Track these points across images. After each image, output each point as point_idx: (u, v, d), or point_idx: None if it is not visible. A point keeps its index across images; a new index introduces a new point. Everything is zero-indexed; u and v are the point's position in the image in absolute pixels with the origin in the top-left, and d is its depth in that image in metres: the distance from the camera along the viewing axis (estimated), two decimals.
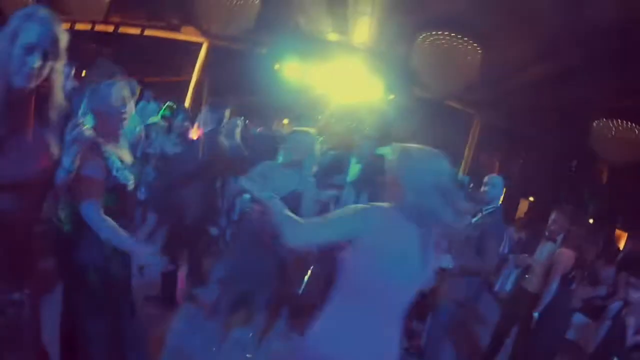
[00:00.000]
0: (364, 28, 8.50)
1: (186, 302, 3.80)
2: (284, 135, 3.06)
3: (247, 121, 8.33)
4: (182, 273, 3.89)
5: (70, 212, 2.10)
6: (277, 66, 9.80)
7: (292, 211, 1.85)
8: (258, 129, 8.02)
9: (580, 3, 5.05)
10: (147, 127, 5.46)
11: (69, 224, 2.12)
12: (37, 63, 1.51)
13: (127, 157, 2.22)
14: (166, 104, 6.43)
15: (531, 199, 10.52)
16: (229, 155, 3.76)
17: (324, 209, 3.20)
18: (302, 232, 1.77)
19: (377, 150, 4.03)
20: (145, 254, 2.03)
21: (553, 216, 3.92)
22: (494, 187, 3.77)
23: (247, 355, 3.04)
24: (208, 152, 3.35)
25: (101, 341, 2.14)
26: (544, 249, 3.93)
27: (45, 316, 1.87)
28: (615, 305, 4.53)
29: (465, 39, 7.10)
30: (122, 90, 2.14)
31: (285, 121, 13.58)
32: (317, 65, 9.74)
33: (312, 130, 2.94)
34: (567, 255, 3.72)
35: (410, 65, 8.08)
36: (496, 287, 6.26)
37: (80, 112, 2.18)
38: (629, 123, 7.00)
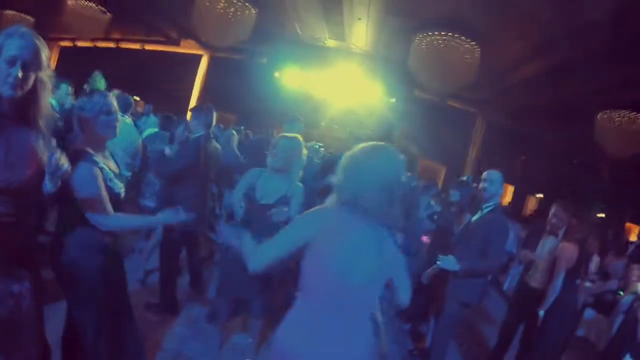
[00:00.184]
0: (360, 33, 8.54)
1: (186, 308, 3.81)
2: (272, 141, 3.06)
3: (247, 130, 8.39)
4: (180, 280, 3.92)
5: (64, 221, 2.15)
6: (277, 74, 9.85)
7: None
8: (254, 136, 8.06)
9: None
10: (147, 138, 5.50)
11: (64, 233, 2.16)
12: (20, 73, 1.68)
13: (114, 167, 2.27)
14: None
15: (539, 195, 10.40)
16: (222, 162, 3.79)
17: None
18: (259, 255, 1.81)
19: None
20: (168, 217, 2.15)
21: (553, 210, 3.84)
22: (493, 183, 3.62)
23: None
24: (195, 156, 3.38)
25: (99, 344, 2.18)
26: (546, 244, 3.86)
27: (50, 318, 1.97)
28: (626, 300, 4.44)
29: (463, 38, 7.08)
30: (110, 101, 2.20)
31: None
32: (317, 72, 9.79)
33: (299, 136, 2.95)
34: (569, 250, 3.61)
35: (409, 67, 8.07)
36: (504, 286, 6.17)
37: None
38: (633, 113, 6.90)
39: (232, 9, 7.86)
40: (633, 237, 8.65)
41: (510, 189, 11.31)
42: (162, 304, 3.72)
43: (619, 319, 4.28)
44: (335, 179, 1.77)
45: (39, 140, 1.82)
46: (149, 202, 4.84)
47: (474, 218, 3.80)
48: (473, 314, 4.83)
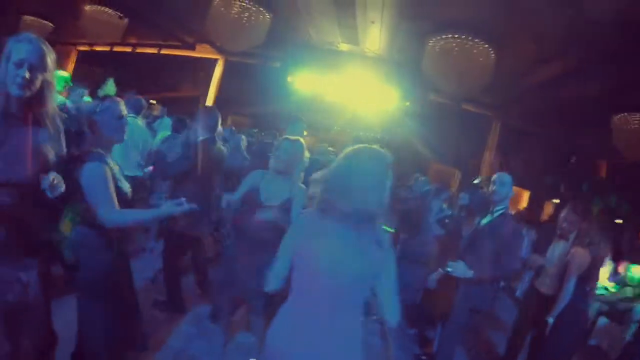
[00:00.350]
0: (374, 36, 8.52)
1: (194, 307, 3.86)
2: (275, 143, 3.10)
3: (262, 133, 8.44)
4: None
5: (73, 220, 2.23)
6: (290, 78, 9.90)
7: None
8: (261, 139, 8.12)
9: None
10: (164, 141, 5.60)
11: (70, 231, 2.23)
12: (26, 74, 1.86)
13: (117, 169, 2.38)
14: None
15: (556, 201, 10.18)
16: (228, 164, 3.82)
17: None
18: (271, 275, 1.92)
19: None
20: (172, 208, 2.21)
21: (564, 213, 3.76)
22: (503, 185, 3.58)
23: None
24: (195, 159, 3.42)
25: (104, 339, 2.24)
26: (556, 249, 3.77)
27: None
28: None
29: (477, 40, 7.00)
30: (120, 106, 2.37)
31: (304, 132, 13.64)
32: (330, 76, 9.80)
33: (301, 139, 2.98)
34: (580, 255, 3.52)
35: (422, 70, 8.02)
36: (517, 292, 6.04)
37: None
38: None
39: (247, 14, 7.93)
40: None
41: (526, 194, 11.12)
42: (169, 302, 3.79)
43: (633, 328, 4.16)
44: (320, 184, 1.84)
45: (46, 138, 1.96)
46: (160, 202, 4.90)
47: (484, 221, 3.74)
48: (483, 319, 4.75)
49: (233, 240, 2.98)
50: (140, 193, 4.38)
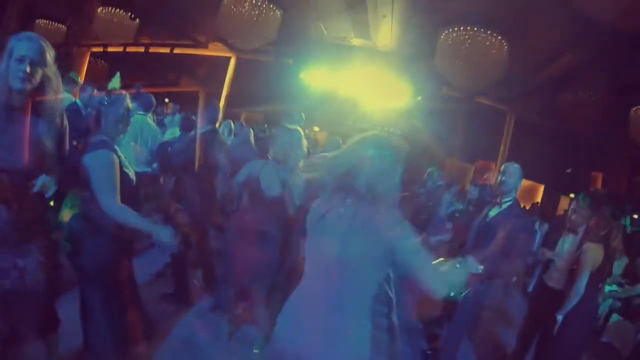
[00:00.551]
0: (385, 31, 8.45)
1: (200, 299, 3.90)
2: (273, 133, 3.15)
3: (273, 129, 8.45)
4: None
5: (78, 210, 2.29)
6: (302, 74, 9.90)
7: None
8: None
9: None
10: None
11: (77, 223, 2.30)
12: (27, 69, 1.99)
13: (123, 157, 2.46)
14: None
15: (572, 195, 9.94)
16: (235, 157, 3.84)
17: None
18: None
19: None
20: (161, 234, 2.23)
21: (573, 205, 3.64)
22: (511, 176, 3.47)
23: (255, 351, 3.07)
24: (195, 152, 3.45)
25: (107, 326, 2.30)
26: (565, 242, 3.66)
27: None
28: None
29: (489, 32, 6.88)
30: (125, 100, 2.49)
31: (316, 128, 13.67)
32: (342, 71, 9.76)
33: (299, 128, 3.00)
34: (593, 251, 3.38)
35: (435, 64, 7.92)
36: (529, 288, 5.90)
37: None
38: None
39: (257, 11, 7.96)
40: None
41: (540, 188, 10.92)
42: (177, 295, 3.85)
43: None
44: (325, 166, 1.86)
45: (45, 129, 2.09)
46: None
47: (492, 213, 3.66)
48: (493, 315, 4.66)
49: (233, 232, 3.01)
50: (149, 189, 4.44)
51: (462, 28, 7.03)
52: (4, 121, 1.98)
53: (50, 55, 2.08)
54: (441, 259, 2.03)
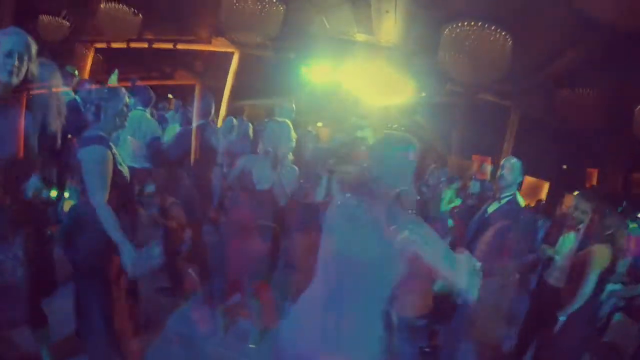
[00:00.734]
0: (389, 26, 8.39)
1: (196, 293, 3.91)
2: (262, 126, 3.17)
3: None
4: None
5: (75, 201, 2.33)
6: (305, 69, 9.87)
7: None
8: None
9: None
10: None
11: (71, 214, 2.33)
12: (16, 62, 2.08)
13: (118, 154, 2.51)
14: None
15: (576, 193, 9.82)
16: (233, 151, 3.84)
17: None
18: None
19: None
20: (125, 254, 2.24)
21: (574, 202, 3.59)
22: (512, 170, 3.44)
23: (250, 346, 3.07)
24: (188, 146, 3.45)
25: (100, 317, 2.30)
26: (566, 240, 3.60)
27: None
28: None
29: (493, 27, 6.80)
30: (123, 95, 2.56)
31: (320, 124, 13.64)
32: (345, 67, 9.72)
33: (287, 120, 2.99)
34: (600, 252, 3.26)
35: (439, 59, 7.86)
36: (533, 285, 5.85)
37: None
38: None
39: (260, 6, 7.93)
40: None
41: (545, 186, 10.82)
42: (172, 288, 3.85)
43: None
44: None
45: (30, 121, 2.14)
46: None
47: (490, 209, 3.62)
48: (494, 313, 4.62)
49: (228, 225, 3.02)
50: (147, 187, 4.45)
51: (465, 23, 6.96)
52: None
53: (34, 49, 2.20)
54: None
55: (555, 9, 5.75)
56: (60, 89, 3.10)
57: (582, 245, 3.54)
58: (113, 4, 7.28)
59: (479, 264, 3.32)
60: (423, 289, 3.46)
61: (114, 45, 9.38)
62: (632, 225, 5.05)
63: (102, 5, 7.28)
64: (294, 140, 2.99)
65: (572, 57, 6.60)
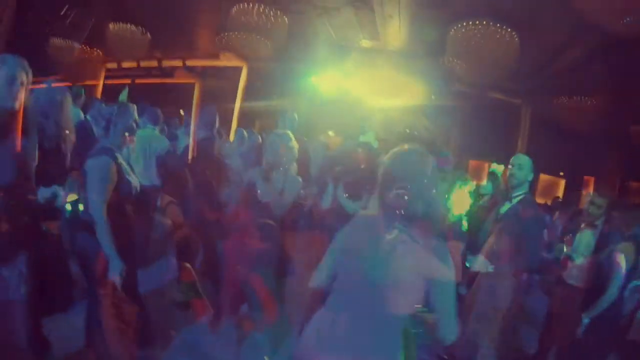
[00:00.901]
0: (394, 30, 8.38)
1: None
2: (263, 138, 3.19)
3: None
4: None
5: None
6: (313, 79, 9.92)
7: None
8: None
9: None
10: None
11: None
12: (18, 88, 2.16)
13: (126, 164, 2.64)
14: None
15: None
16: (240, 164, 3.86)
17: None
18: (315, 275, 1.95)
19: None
20: (111, 264, 2.31)
21: (590, 198, 3.49)
22: (521, 168, 3.36)
23: (265, 358, 3.06)
24: (195, 159, 3.47)
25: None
26: (583, 238, 3.51)
27: None
28: None
29: (499, 25, 6.75)
30: (132, 111, 2.70)
31: (331, 133, 13.64)
32: (353, 74, 9.73)
33: (288, 132, 3.01)
34: (627, 250, 3.20)
35: (446, 60, 7.83)
36: (551, 286, 5.70)
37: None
38: None
39: (265, 19, 8.01)
40: None
41: (561, 183, 10.62)
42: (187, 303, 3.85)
43: None
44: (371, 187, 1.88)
45: (28, 144, 2.19)
46: None
47: (502, 210, 3.56)
48: (512, 315, 4.52)
49: (228, 239, 3.02)
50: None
51: (470, 22, 6.92)
52: None
53: (30, 75, 2.28)
54: None
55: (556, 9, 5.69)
56: (69, 110, 3.20)
57: (601, 242, 3.46)
58: (122, 24, 7.45)
59: (491, 268, 3.28)
60: None
61: (128, 65, 9.62)
62: None
63: (111, 27, 7.46)
64: (296, 150, 3.00)
65: (581, 49, 6.49)
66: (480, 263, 3.32)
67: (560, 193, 10.40)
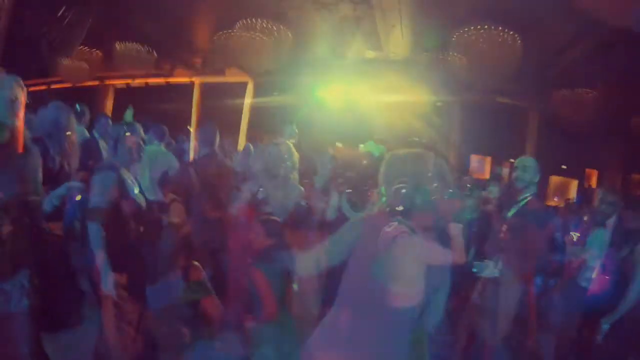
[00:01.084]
0: (397, 39, 8.44)
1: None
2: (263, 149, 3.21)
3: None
4: None
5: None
6: (319, 92, 10.00)
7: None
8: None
9: None
10: None
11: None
12: (19, 107, 2.20)
13: (131, 182, 2.71)
14: None
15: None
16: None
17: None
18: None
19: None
20: (103, 278, 2.34)
21: (600, 195, 3.41)
22: (526, 170, 3.31)
23: None
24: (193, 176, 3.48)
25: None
26: (595, 238, 3.42)
27: None
28: None
29: (501, 28, 6.74)
30: (138, 130, 2.86)
31: (339, 144, 13.65)
32: (359, 85, 9.79)
33: (287, 142, 3.03)
34: None
35: (450, 67, 7.83)
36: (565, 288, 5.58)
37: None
38: None
39: (269, 34, 8.10)
40: None
41: (574, 184, 10.46)
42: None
43: None
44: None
45: (27, 160, 2.24)
46: None
47: (510, 214, 3.50)
48: (523, 319, 4.42)
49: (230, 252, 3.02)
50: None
51: (472, 28, 6.93)
52: None
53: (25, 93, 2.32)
54: None
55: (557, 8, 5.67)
56: (73, 130, 3.25)
57: (617, 241, 3.37)
58: (128, 43, 7.61)
59: (497, 273, 3.22)
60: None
61: (137, 84, 9.80)
62: None
63: (117, 46, 7.63)
64: (296, 159, 3.02)
65: (584, 48, 6.44)
66: (486, 268, 3.25)
67: (572, 194, 10.25)
